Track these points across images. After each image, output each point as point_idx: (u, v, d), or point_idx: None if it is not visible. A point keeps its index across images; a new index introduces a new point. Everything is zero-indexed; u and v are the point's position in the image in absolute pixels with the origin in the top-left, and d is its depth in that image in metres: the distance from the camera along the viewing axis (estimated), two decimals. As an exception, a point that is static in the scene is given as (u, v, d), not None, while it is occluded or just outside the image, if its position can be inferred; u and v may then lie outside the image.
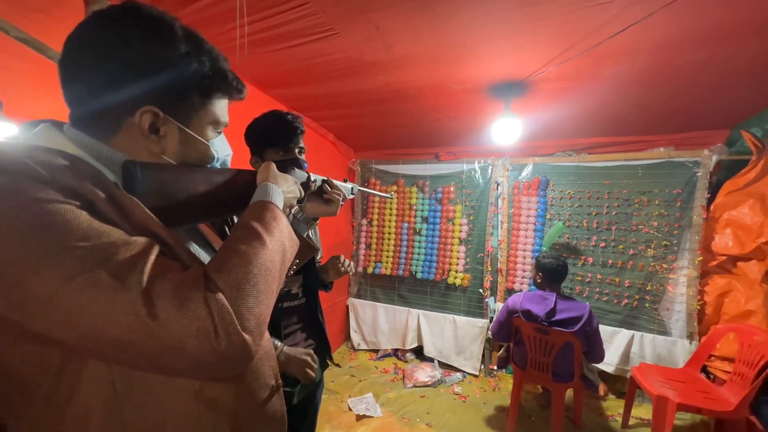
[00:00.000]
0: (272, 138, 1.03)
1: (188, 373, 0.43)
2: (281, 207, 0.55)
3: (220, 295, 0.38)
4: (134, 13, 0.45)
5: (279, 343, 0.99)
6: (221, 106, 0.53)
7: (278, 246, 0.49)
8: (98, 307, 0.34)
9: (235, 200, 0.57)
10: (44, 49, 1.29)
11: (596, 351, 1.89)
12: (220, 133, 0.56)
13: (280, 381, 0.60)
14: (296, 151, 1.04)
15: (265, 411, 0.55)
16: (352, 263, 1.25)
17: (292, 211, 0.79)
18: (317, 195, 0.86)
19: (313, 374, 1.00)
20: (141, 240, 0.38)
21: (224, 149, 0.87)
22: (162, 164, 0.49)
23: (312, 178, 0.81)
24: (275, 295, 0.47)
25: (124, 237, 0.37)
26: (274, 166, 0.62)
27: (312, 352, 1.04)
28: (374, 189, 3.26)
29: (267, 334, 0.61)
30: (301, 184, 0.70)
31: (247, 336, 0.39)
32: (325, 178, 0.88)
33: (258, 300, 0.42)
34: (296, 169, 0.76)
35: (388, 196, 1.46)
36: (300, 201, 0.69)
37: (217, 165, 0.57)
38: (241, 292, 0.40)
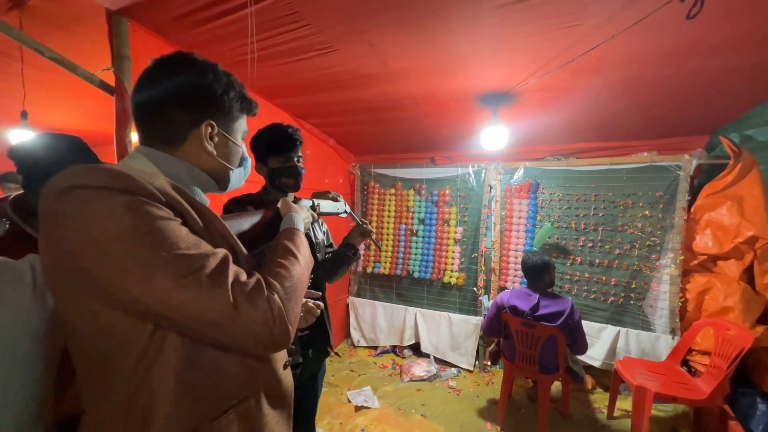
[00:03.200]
0: (275, 148, 1.18)
1: (250, 349, 0.60)
2: (303, 231, 0.76)
3: (276, 296, 0.55)
4: (188, 57, 0.63)
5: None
6: (245, 121, 0.72)
7: (305, 262, 0.68)
8: (202, 299, 0.48)
9: (266, 232, 0.80)
10: (73, 67, 1.43)
11: (579, 343, 2.00)
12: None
13: (290, 358, 0.77)
14: (295, 159, 1.19)
15: (282, 377, 0.70)
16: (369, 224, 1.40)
17: None
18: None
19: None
20: (221, 251, 0.54)
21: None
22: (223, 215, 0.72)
23: (315, 203, 1.02)
24: (302, 299, 0.65)
25: (210, 248, 0.53)
26: (290, 200, 0.84)
27: None
28: (373, 191, 3.40)
29: None
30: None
31: (290, 326, 0.56)
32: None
33: (296, 302, 0.60)
34: (302, 199, 0.98)
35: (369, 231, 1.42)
36: (313, 222, 0.92)
37: (247, 163, 0.75)
38: (288, 295, 0.57)
